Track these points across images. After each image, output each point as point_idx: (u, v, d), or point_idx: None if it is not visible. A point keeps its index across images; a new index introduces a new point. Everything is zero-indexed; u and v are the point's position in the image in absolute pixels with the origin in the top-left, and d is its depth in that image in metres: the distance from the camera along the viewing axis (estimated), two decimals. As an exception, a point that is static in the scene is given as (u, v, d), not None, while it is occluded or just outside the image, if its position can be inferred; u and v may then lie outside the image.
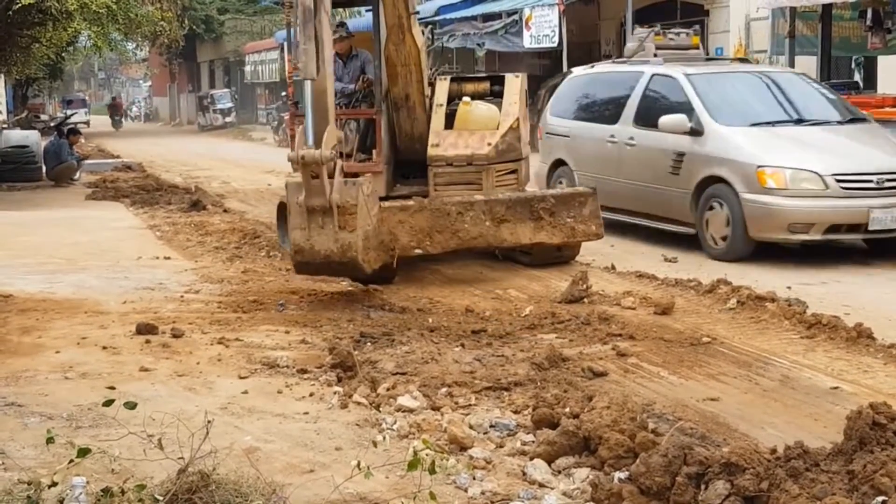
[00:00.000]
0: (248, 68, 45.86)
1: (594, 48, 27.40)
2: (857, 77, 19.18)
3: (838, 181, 9.66)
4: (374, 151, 9.86)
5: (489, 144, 9.98)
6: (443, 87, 10.41)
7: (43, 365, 6.13)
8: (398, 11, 9.36)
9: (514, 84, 10.52)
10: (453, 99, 10.30)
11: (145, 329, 6.87)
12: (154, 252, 10.62)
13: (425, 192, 9.88)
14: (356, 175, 9.39)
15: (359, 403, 5.40)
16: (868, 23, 15.49)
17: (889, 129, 11.16)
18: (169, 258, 10.29)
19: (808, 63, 16.37)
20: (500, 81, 10.67)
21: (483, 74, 10.93)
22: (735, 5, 21.08)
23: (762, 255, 9.91)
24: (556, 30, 21.75)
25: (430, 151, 9.89)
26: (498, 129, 10.10)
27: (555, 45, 22.15)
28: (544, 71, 27.50)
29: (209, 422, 4.21)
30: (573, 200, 9.87)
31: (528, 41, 23.00)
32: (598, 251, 10.47)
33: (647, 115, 11.24)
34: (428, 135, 10.07)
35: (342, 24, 10.42)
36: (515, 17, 23.43)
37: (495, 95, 10.44)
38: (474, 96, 10.36)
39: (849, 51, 17.83)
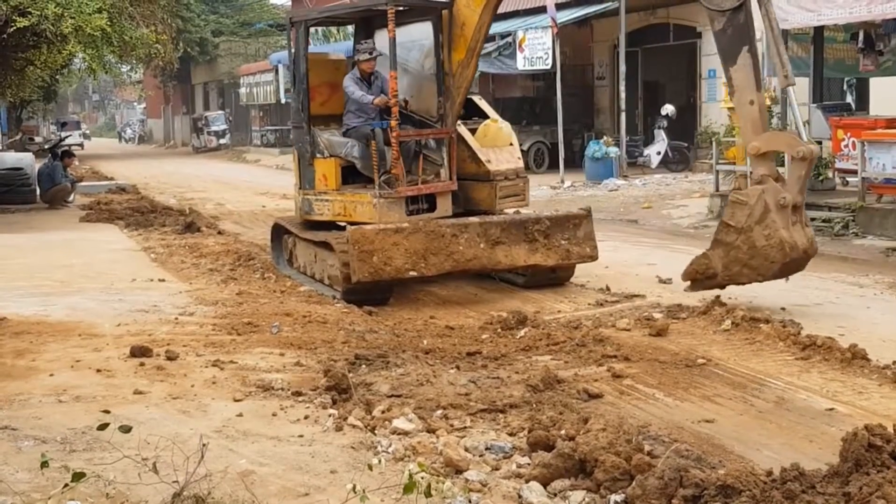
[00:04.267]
0: (242, 90, 45.94)
1: (587, 70, 27.55)
2: (850, 98, 19.27)
3: None
4: (441, 171, 9.94)
5: (518, 158, 10.45)
6: None
7: (37, 388, 6.10)
8: (479, 36, 9.61)
9: (485, 104, 10.99)
10: None
11: (139, 352, 6.85)
12: (148, 274, 10.60)
13: (459, 209, 10.10)
14: (432, 196, 9.62)
15: (354, 426, 5.38)
16: (860, 45, 15.57)
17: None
18: (163, 280, 10.27)
19: (801, 84, 16.42)
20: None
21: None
22: (727, 27, 21.17)
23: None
24: (550, 52, 21.87)
25: (490, 167, 10.16)
26: (512, 145, 10.46)
27: (548, 67, 22.26)
28: (538, 93, 27.64)
29: (204, 445, 4.21)
30: (568, 222, 9.92)
31: (521, 63, 23.11)
32: (593, 272, 10.49)
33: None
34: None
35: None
36: (509, 39, 23.53)
37: (465, 116, 10.67)
38: None
39: (842, 72, 17.91)
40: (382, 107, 9.81)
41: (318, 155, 10.29)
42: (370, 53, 10.07)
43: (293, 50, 10.58)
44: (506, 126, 10.64)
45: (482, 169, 10.15)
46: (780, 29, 8.43)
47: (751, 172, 9.00)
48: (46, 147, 27.12)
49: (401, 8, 9.63)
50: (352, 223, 9.51)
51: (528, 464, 4.84)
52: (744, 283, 8.50)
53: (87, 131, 73.08)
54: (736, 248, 8.30)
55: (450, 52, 9.82)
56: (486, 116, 10.75)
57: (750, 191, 8.39)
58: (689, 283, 8.77)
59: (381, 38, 10.60)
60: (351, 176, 10.13)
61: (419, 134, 9.88)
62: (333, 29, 30.13)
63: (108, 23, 17.07)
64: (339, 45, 28.55)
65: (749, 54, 8.31)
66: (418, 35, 10.15)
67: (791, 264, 8.29)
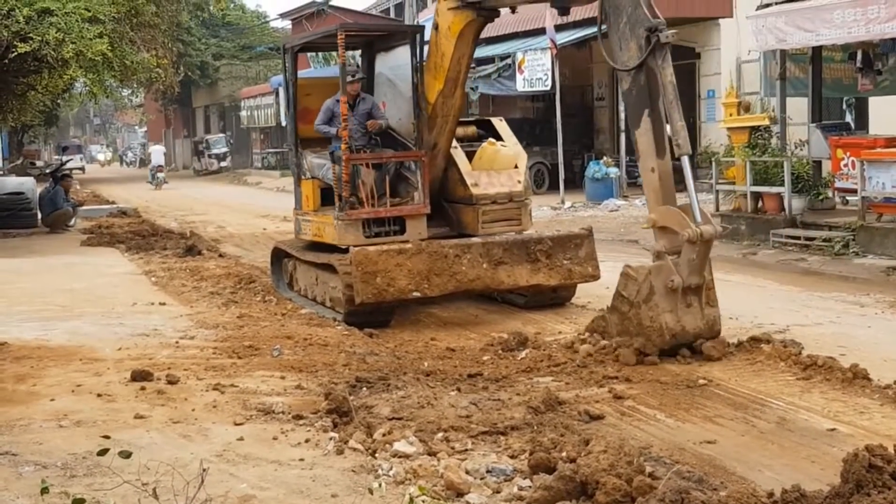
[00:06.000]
0: (243, 113, 46.10)
1: (587, 91, 27.63)
2: (849, 118, 19.31)
3: None
4: (415, 194, 9.90)
5: (518, 182, 10.28)
6: None
7: (37, 413, 6.10)
8: (459, 67, 9.57)
9: (504, 127, 10.82)
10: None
11: (140, 376, 6.85)
12: (149, 298, 10.61)
13: (452, 233, 10.09)
14: (402, 218, 9.66)
15: (355, 449, 5.37)
16: (858, 65, 15.62)
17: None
18: (164, 304, 10.28)
19: (800, 104, 16.49)
20: (481, 125, 11.02)
21: (468, 119, 11.38)
22: (726, 48, 21.28)
23: (758, 298, 9.93)
24: (549, 73, 21.94)
25: (474, 191, 10.06)
26: (516, 168, 10.34)
27: (548, 88, 22.33)
28: (538, 114, 27.71)
29: (204, 470, 4.20)
30: (570, 242, 9.92)
31: (521, 84, 23.19)
32: (594, 293, 10.48)
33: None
34: (441, 178, 10.19)
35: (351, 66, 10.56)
36: (508, 60, 23.63)
37: (481, 138, 10.61)
38: (465, 139, 10.50)
39: (840, 92, 17.95)
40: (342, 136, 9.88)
41: (302, 176, 10.62)
42: (353, 76, 10.18)
43: (286, 75, 10.86)
44: (508, 149, 10.49)
45: (467, 192, 10.11)
46: (675, 93, 7.69)
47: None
48: (48, 171, 27.19)
49: (353, 33, 9.81)
50: (324, 244, 9.77)
51: (530, 486, 4.82)
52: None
53: (108, 154, 71.25)
54: (628, 319, 7.78)
55: (423, 79, 9.79)
56: (500, 138, 10.72)
57: (639, 268, 7.79)
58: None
59: (382, 62, 10.68)
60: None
61: (379, 157, 9.89)
62: (334, 53, 30.26)
63: (109, 47, 17.14)
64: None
65: (650, 119, 7.83)
66: (405, 58, 10.17)
67: (680, 346, 7.70)
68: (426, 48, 9.94)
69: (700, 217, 7.63)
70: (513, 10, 9.62)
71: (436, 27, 9.61)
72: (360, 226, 9.60)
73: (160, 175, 37.27)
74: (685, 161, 7.77)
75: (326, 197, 10.29)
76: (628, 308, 7.73)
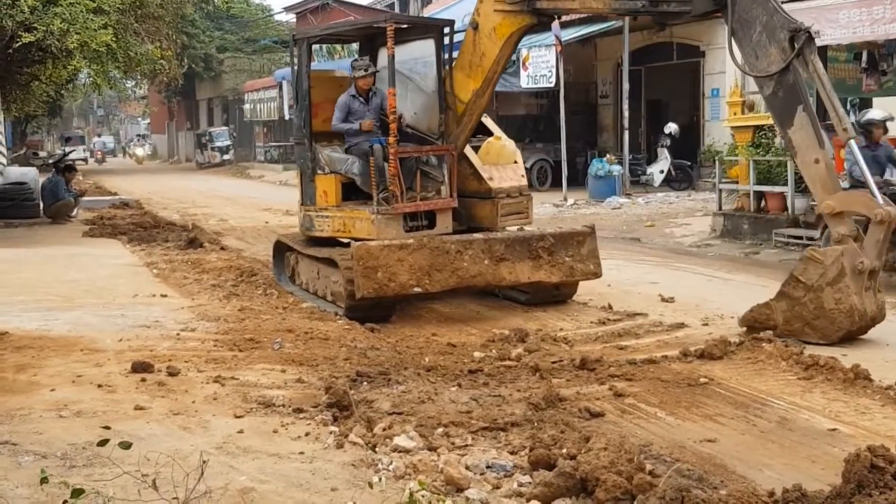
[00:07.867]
0: (246, 106, 46.12)
1: (591, 88, 27.61)
2: (853, 118, 19.27)
3: None
4: (442, 188, 9.90)
5: (522, 176, 10.41)
6: None
7: (38, 403, 6.10)
8: (497, 68, 9.62)
9: (490, 122, 10.94)
10: None
11: (141, 367, 6.85)
12: (150, 290, 10.61)
13: (461, 227, 10.10)
14: (432, 212, 9.65)
15: (355, 443, 5.37)
16: (863, 65, 15.59)
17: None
18: (165, 296, 10.27)
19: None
20: None
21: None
22: (731, 47, 21.23)
23: (760, 297, 9.88)
24: (553, 70, 21.93)
25: (492, 185, 10.13)
26: (516, 162, 10.44)
27: (552, 85, 22.31)
28: (541, 111, 27.69)
29: (204, 462, 4.20)
30: (572, 240, 9.92)
31: (525, 81, 23.16)
32: (595, 290, 10.48)
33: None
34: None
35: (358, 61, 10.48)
36: (513, 57, 23.59)
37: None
38: None
39: (844, 92, 17.90)
40: (368, 130, 9.83)
41: (318, 171, 10.33)
42: (366, 70, 10.11)
43: (296, 67, 10.63)
44: (509, 144, 10.62)
45: (484, 186, 10.15)
46: (830, 84, 8.17)
47: (823, 229, 8.88)
48: (50, 162, 27.18)
49: (402, 26, 9.63)
50: (351, 239, 9.54)
51: (530, 483, 4.82)
52: (803, 340, 8.08)
53: (148, 149, 65.68)
54: (802, 305, 7.98)
55: (452, 75, 9.83)
56: (490, 134, 10.76)
57: (829, 251, 7.99)
58: (745, 328, 8.42)
59: (385, 55, 10.63)
60: (353, 193, 10.14)
61: (419, 151, 9.88)
62: (337, 46, 30.25)
63: (114, 38, 17.17)
64: (343, 61, 28.66)
65: (805, 113, 8.08)
66: (420, 52, 10.17)
67: (856, 331, 7.99)
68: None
69: (881, 199, 7.86)
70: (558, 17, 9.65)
71: (475, 27, 9.59)
72: (401, 220, 9.60)
73: (98, 157, 57.45)
74: (853, 144, 8.20)
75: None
76: (803, 293, 7.95)
